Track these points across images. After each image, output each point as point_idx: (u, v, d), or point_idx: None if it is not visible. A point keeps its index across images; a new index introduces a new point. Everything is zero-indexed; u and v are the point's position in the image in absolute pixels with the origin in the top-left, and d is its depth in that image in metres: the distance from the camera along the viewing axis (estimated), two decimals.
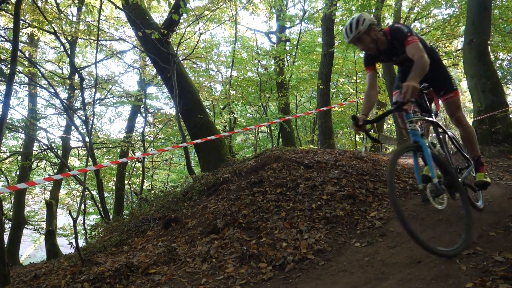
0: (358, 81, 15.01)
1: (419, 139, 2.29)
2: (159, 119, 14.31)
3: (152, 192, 6.92)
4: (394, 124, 11.88)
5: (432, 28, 12.77)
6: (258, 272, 2.76)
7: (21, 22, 7.37)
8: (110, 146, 13.96)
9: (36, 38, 11.03)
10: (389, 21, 13.65)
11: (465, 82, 11.31)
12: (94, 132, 12.73)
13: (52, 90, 9.63)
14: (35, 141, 11.86)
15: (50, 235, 10.71)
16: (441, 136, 2.91)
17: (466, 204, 2.37)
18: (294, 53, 13.77)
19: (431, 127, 3.02)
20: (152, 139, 13.96)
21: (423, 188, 2.21)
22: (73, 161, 15.43)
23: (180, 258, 3.29)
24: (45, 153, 12.76)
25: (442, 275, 1.96)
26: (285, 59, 13.29)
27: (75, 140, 12.67)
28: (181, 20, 9.21)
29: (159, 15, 13.37)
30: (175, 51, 7.50)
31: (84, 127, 8.97)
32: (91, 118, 7.00)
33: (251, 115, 17.02)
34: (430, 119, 2.73)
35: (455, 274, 1.94)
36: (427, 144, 2.28)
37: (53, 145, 12.11)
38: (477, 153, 2.83)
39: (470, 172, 2.87)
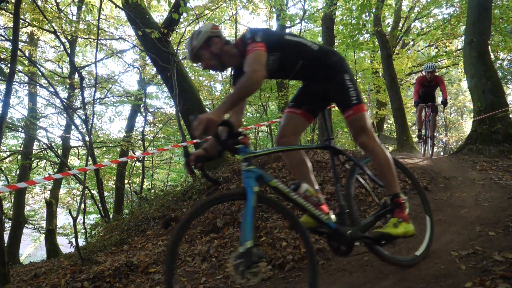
0: (358, 80, 15.01)
1: (247, 185, 1.67)
2: (159, 119, 14.31)
3: (152, 191, 6.92)
4: (394, 124, 11.87)
5: (432, 28, 12.76)
6: (258, 271, 2.76)
7: (21, 21, 7.37)
8: (110, 145, 13.97)
9: (36, 37, 11.02)
10: (389, 20, 13.66)
11: (465, 82, 11.31)
12: (94, 131, 12.74)
13: (52, 89, 9.63)
14: (35, 140, 11.86)
15: (50, 234, 10.72)
16: (345, 166, 2.31)
17: (311, 263, 1.72)
18: None
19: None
20: (152, 138, 13.97)
21: (245, 252, 1.55)
22: (73, 161, 15.44)
23: (179, 257, 3.29)
24: (45, 152, 12.76)
25: (442, 274, 1.96)
26: None
27: (75, 139, 12.70)
28: (181, 20, 9.21)
29: (159, 14, 13.37)
30: (175, 51, 7.50)
31: (84, 126, 8.97)
32: (91, 117, 7.01)
33: (251, 115, 17.01)
34: (316, 146, 2.27)
35: (455, 274, 1.94)
36: (254, 192, 1.66)
37: (53, 144, 12.11)
38: (393, 190, 2.06)
39: (383, 217, 2.16)
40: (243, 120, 2.10)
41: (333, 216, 2.03)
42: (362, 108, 2.04)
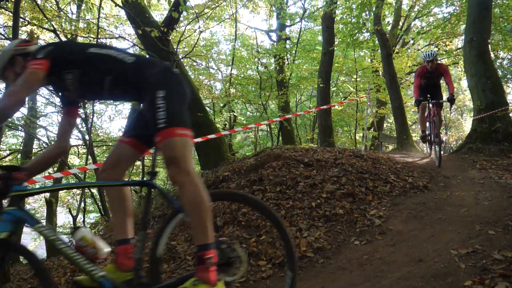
0: (358, 79, 15.01)
1: (2, 229, 1.46)
2: None
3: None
4: (394, 123, 11.88)
5: (432, 27, 12.76)
6: (258, 270, 2.76)
7: (21, 20, 7.37)
8: (110, 144, 13.96)
9: (35, 36, 11.01)
10: (389, 19, 13.63)
11: (465, 81, 11.31)
12: (93, 130, 12.73)
13: (51, 88, 9.62)
14: (35, 139, 11.86)
15: None
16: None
17: None
18: (294, 52, 13.77)
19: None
20: None
21: None
22: (73, 159, 15.44)
23: (179, 256, 3.30)
24: None
25: (441, 273, 1.97)
26: (285, 58, 13.29)
27: (75, 138, 12.67)
28: (181, 18, 9.20)
29: (159, 13, 13.35)
30: (175, 49, 7.50)
31: (84, 125, 8.97)
32: (91, 116, 7.01)
33: (251, 114, 17.04)
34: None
35: (454, 272, 1.94)
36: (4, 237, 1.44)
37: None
38: (200, 240, 1.52)
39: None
40: (69, 145, 1.87)
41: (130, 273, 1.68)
42: (172, 132, 1.57)
